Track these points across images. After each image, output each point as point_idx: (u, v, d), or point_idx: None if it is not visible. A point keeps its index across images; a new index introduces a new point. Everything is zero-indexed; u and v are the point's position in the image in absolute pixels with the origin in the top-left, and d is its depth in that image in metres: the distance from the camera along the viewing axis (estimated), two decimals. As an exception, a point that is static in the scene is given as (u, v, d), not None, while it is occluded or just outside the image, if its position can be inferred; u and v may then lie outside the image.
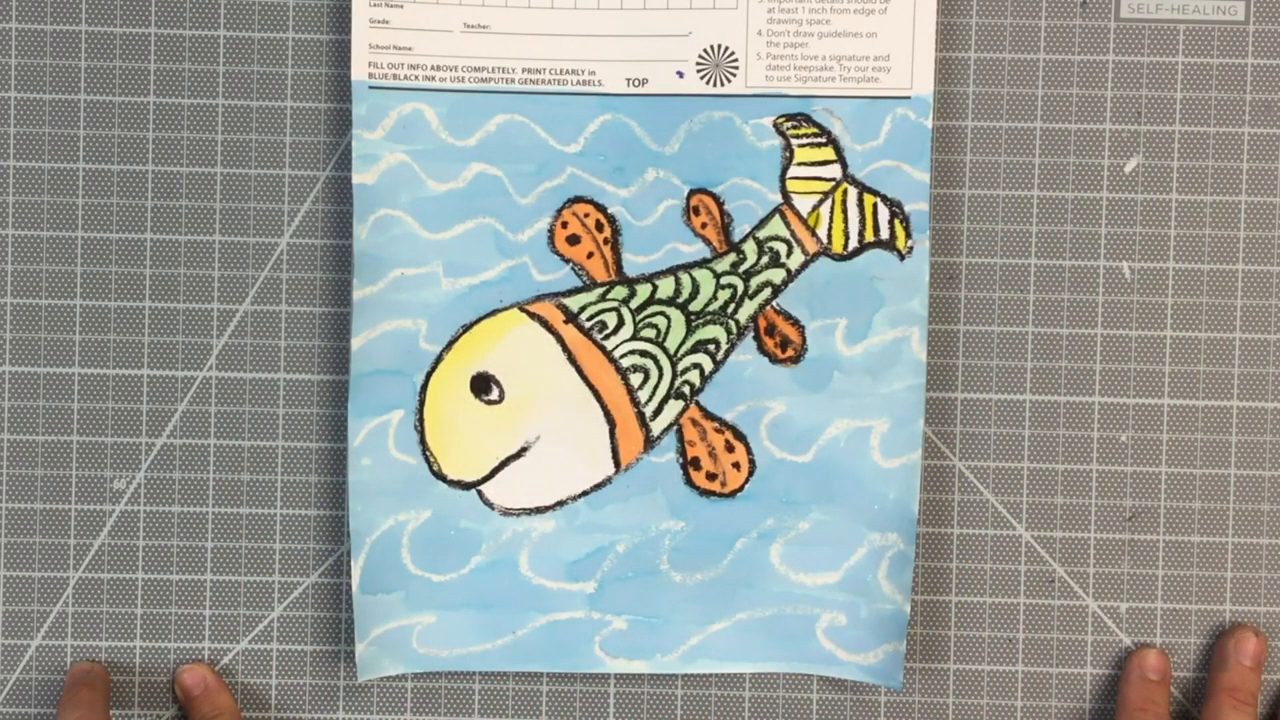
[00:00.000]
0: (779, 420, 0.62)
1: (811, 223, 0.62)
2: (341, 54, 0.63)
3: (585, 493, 0.62)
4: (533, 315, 0.62)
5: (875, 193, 0.62)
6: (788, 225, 0.62)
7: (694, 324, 0.62)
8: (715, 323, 0.62)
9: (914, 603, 0.63)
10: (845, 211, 0.62)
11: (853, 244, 0.62)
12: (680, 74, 0.62)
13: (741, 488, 0.62)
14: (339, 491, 0.63)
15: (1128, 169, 0.63)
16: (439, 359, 0.62)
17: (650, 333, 0.62)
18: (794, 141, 0.62)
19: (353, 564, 0.62)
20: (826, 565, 0.62)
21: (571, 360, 0.62)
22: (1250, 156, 0.63)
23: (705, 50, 0.62)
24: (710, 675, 0.63)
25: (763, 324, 0.62)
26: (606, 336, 0.62)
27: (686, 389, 0.62)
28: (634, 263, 0.62)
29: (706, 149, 0.62)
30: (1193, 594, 0.63)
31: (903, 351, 0.62)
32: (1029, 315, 0.63)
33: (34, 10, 0.63)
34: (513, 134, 0.62)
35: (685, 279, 0.62)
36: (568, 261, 0.62)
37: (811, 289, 0.62)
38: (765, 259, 0.62)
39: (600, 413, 0.62)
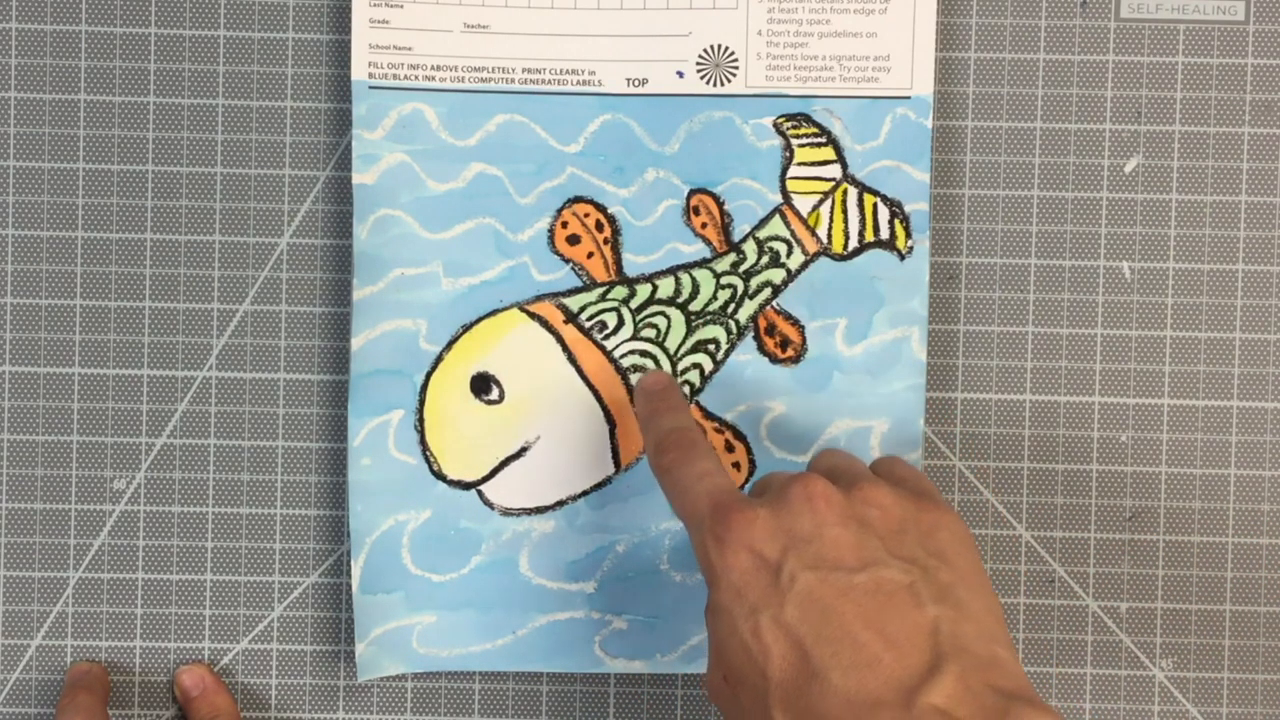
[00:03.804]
0: (779, 420, 0.62)
1: (811, 223, 0.62)
2: (341, 54, 0.63)
3: (585, 493, 0.62)
4: (533, 315, 0.62)
5: (875, 193, 0.62)
6: (788, 225, 0.62)
7: (694, 324, 0.62)
8: (715, 323, 0.62)
9: (914, 603, 0.63)
10: (845, 211, 0.62)
11: (853, 244, 0.62)
12: (680, 74, 0.62)
13: (741, 488, 0.62)
14: (339, 491, 0.63)
15: (1128, 169, 0.63)
16: (439, 359, 0.62)
17: (650, 333, 0.62)
18: (794, 141, 0.62)
19: (353, 564, 0.62)
20: (826, 565, 0.62)
21: (571, 360, 0.62)
22: (1250, 156, 0.63)
23: (705, 50, 0.62)
24: (710, 675, 0.63)
25: (763, 324, 0.62)
26: (606, 336, 0.62)
27: (686, 389, 0.62)
28: (634, 263, 0.62)
29: (706, 149, 0.62)
30: (1193, 594, 0.63)
31: (903, 351, 0.62)
32: (1029, 315, 0.63)
33: (34, 10, 0.63)
34: (513, 134, 0.62)
35: (685, 279, 0.62)
36: (568, 261, 0.62)
37: (811, 289, 0.62)
38: (765, 259, 0.62)
39: (600, 413, 0.62)
